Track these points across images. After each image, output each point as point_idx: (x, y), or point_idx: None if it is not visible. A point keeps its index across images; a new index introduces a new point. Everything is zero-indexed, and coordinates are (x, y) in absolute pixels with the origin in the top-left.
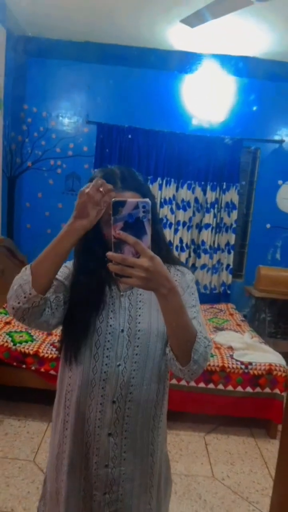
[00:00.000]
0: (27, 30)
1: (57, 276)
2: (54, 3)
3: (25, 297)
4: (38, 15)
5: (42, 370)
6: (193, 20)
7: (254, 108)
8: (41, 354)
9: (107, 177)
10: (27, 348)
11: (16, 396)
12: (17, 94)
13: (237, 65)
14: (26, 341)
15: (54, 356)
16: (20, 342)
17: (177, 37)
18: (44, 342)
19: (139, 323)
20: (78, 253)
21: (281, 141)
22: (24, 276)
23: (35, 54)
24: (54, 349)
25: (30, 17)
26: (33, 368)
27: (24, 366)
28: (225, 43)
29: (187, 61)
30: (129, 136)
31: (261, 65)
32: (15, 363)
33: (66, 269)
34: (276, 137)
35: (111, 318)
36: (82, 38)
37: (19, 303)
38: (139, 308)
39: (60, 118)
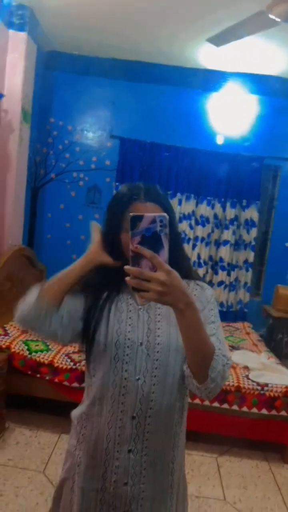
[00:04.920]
0: (56, 45)
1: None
2: (83, 20)
3: (32, 306)
4: (67, 32)
5: (56, 380)
6: (219, 39)
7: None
8: (56, 364)
9: (131, 190)
10: (42, 357)
11: (29, 405)
12: (44, 107)
13: (260, 83)
14: (42, 351)
15: (69, 367)
16: (36, 351)
17: (202, 55)
18: (59, 353)
19: (158, 336)
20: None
21: None
22: (35, 290)
23: (63, 69)
24: (69, 360)
25: (60, 33)
26: (47, 378)
27: (38, 375)
28: (248, 62)
29: (211, 79)
30: (151, 151)
31: (284, 84)
32: (30, 372)
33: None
34: None
35: (129, 331)
36: (109, 55)
37: (24, 311)
38: (158, 322)
39: (85, 132)
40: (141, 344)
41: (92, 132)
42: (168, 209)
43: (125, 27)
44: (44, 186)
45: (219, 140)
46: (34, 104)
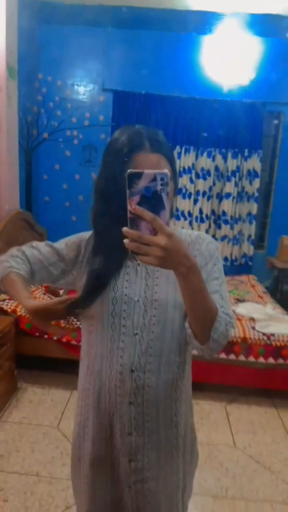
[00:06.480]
0: None
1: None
2: None
3: None
4: None
5: (64, 340)
6: None
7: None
8: (63, 325)
9: (132, 138)
10: None
11: (39, 365)
12: (31, 63)
13: (260, 23)
14: None
15: (75, 326)
16: None
17: None
18: None
19: (156, 292)
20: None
21: None
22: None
23: (48, 20)
24: (75, 320)
25: None
26: (55, 338)
27: (46, 336)
28: (246, 0)
29: (207, 21)
30: (146, 103)
31: (285, 23)
32: (37, 333)
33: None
34: None
35: (126, 287)
36: (96, 1)
37: None
38: (157, 278)
39: (76, 86)
40: (138, 300)
41: (83, 86)
42: (173, 162)
43: None
44: (37, 147)
45: (218, 87)
46: (20, 60)
